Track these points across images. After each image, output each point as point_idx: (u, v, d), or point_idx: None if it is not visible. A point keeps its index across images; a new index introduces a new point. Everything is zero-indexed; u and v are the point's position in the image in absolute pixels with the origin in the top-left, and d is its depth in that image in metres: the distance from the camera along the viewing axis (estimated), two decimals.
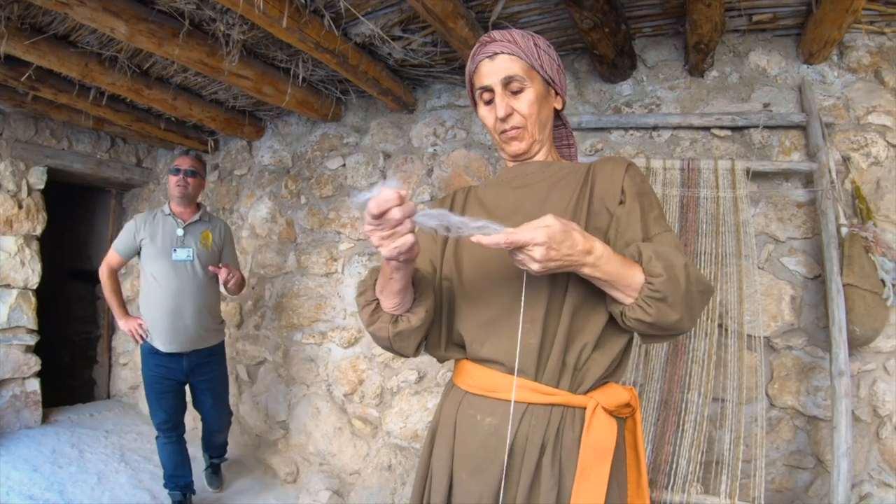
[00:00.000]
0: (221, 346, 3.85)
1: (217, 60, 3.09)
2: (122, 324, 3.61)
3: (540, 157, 1.51)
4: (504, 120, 1.43)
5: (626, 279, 1.22)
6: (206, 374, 3.69)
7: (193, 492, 3.70)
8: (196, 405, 3.83)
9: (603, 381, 1.35)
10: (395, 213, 1.03)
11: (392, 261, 1.17)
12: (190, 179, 3.57)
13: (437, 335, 1.47)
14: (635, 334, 1.35)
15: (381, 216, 1.04)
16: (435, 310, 1.42)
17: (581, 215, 1.35)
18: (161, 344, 3.48)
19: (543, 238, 1.11)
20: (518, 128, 1.43)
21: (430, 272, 1.48)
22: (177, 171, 3.55)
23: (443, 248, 1.51)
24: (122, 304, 3.67)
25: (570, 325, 1.29)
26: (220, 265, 3.53)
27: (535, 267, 1.15)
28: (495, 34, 1.44)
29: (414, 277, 1.33)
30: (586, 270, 1.20)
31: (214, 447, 4.01)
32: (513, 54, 1.41)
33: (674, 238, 1.34)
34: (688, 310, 1.24)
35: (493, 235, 1.12)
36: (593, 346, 1.30)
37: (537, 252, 1.12)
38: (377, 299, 1.35)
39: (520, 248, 1.13)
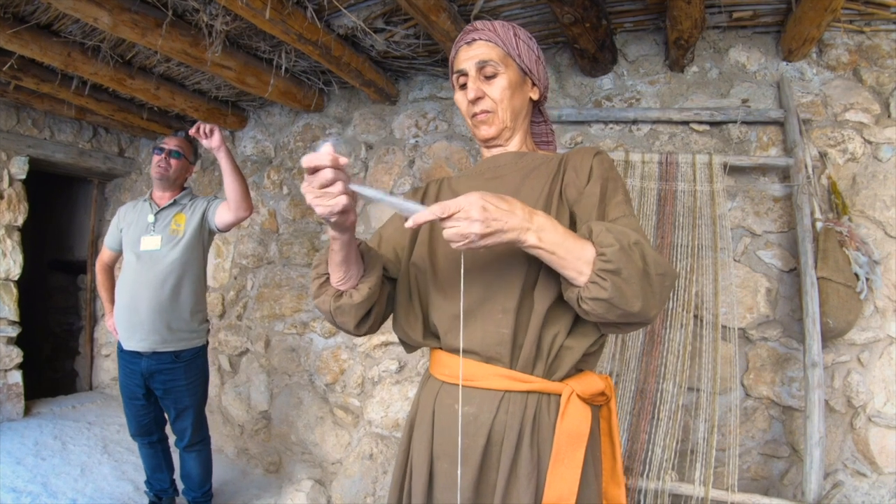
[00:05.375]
0: (196, 353, 3.31)
1: (200, 51, 3.08)
2: (107, 320, 3.49)
3: (513, 146, 1.52)
4: (474, 102, 1.45)
5: (575, 252, 1.16)
6: (165, 382, 3.19)
7: (175, 493, 3.54)
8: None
9: (577, 368, 1.37)
10: (328, 174, 1.07)
11: (330, 225, 1.20)
12: (173, 161, 3.25)
13: (415, 322, 1.47)
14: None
15: (314, 172, 1.08)
16: (383, 290, 1.44)
17: (552, 206, 1.36)
18: (122, 339, 3.19)
19: (478, 199, 1.10)
20: (488, 112, 1.45)
21: (392, 260, 1.51)
22: (159, 151, 3.24)
23: (413, 238, 1.52)
24: (112, 300, 3.45)
25: (543, 314, 1.30)
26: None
27: (475, 229, 1.09)
28: (478, 24, 1.47)
29: (364, 255, 1.37)
30: (531, 240, 1.14)
31: (190, 479, 3.46)
32: (490, 41, 1.44)
33: (633, 222, 1.30)
34: (647, 293, 1.16)
35: (426, 210, 1.11)
36: (566, 333, 1.31)
37: (475, 210, 1.08)
38: (328, 274, 1.37)
39: (454, 214, 1.10)
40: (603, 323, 1.24)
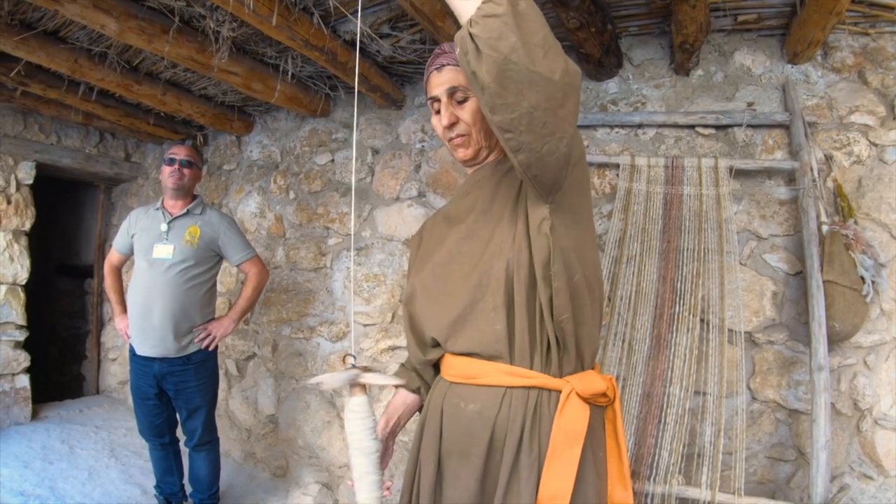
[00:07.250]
0: (206, 355, 3.40)
1: (207, 57, 3.09)
2: (117, 321, 3.54)
3: (492, 160, 1.57)
4: (449, 128, 1.49)
5: None
6: (176, 384, 3.29)
7: (184, 498, 3.60)
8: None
9: (578, 364, 1.39)
10: None
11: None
12: (186, 170, 3.32)
13: (415, 346, 1.58)
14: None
15: None
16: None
17: (521, 203, 1.38)
18: (135, 345, 3.28)
19: None
20: (463, 135, 1.50)
21: None
22: (171, 161, 3.30)
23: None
24: (121, 302, 3.53)
25: (530, 303, 1.33)
26: (202, 328, 3.33)
27: None
28: (445, 46, 1.50)
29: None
30: None
31: (198, 481, 3.53)
32: (457, 65, 1.45)
33: None
34: (528, 44, 1.09)
35: None
36: (551, 317, 1.33)
37: None
38: None
39: None
40: (492, 62, 1.09)
